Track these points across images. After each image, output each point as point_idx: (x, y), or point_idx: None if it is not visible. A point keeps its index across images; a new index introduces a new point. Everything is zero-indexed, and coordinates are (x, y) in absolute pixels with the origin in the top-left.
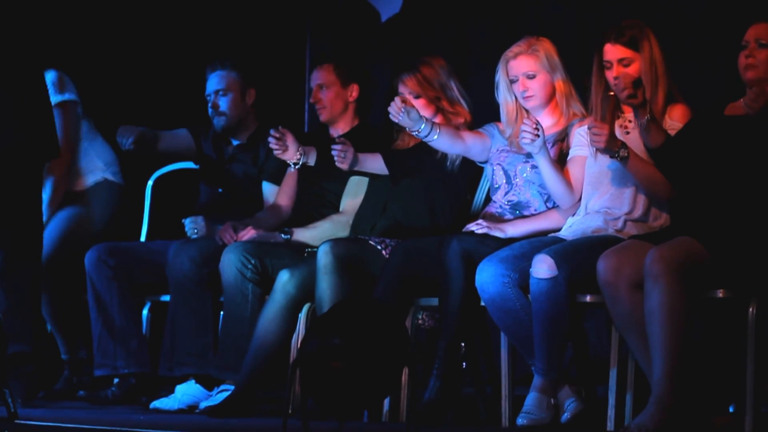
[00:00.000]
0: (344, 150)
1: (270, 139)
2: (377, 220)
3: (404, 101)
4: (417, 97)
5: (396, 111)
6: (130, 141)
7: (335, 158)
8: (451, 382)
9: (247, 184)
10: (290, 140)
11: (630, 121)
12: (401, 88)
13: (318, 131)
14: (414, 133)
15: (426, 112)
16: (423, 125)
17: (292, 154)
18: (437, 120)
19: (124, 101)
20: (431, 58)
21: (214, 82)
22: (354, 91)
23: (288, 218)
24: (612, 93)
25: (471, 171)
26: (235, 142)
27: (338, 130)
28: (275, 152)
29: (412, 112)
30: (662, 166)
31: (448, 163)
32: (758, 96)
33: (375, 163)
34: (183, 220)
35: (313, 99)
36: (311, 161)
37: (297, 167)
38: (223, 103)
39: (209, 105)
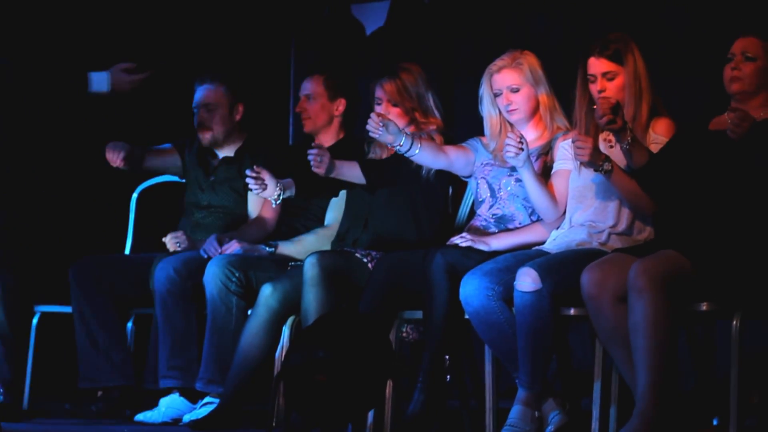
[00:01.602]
0: (320, 154)
1: (248, 180)
2: (359, 234)
3: (381, 116)
4: (394, 105)
5: (374, 127)
6: (121, 157)
7: (311, 163)
8: (435, 395)
9: (233, 197)
10: (267, 177)
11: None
12: (379, 93)
13: (303, 144)
14: (396, 148)
15: (400, 122)
16: (403, 139)
17: (271, 190)
18: (410, 130)
19: (110, 114)
20: (411, 66)
21: (202, 95)
22: (341, 106)
23: (273, 231)
24: (596, 107)
25: (449, 180)
26: (220, 156)
27: (324, 143)
28: (255, 191)
29: (390, 126)
30: (645, 185)
31: (423, 171)
32: (741, 121)
33: (352, 171)
34: (163, 239)
35: (298, 108)
36: (292, 194)
37: (278, 203)
38: (211, 118)
39: (195, 118)
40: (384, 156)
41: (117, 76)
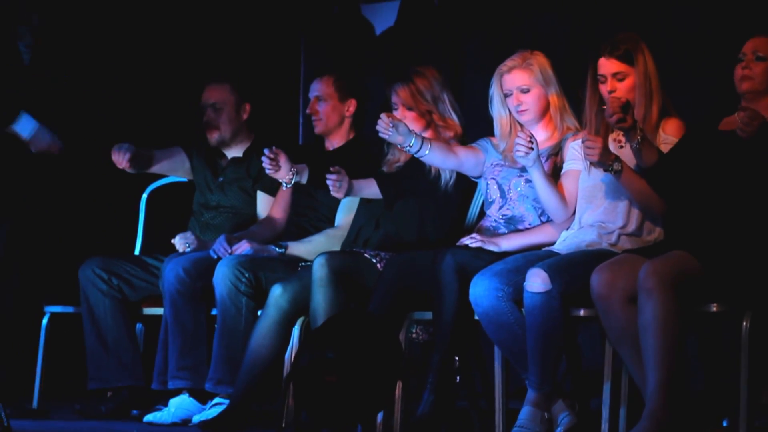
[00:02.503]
0: (339, 179)
1: (263, 159)
2: (370, 234)
3: (390, 116)
4: (409, 109)
5: (384, 128)
6: (126, 158)
7: (330, 187)
8: (444, 396)
9: (242, 197)
10: (283, 160)
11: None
12: (394, 98)
13: (313, 144)
14: (405, 149)
15: (417, 126)
16: (413, 140)
17: (284, 173)
18: (428, 134)
19: (120, 116)
20: (425, 69)
21: (209, 95)
22: (351, 106)
23: (282, 231)
24: (606, 106)
25: (464, 187)
26: (228, 156)
27: (333, 143)
28: (268, 171)
29: (400, 127)
30: (655, 184)
31: (442, 183)
32: (751, 120)
33: (370, 189)
34: (172, 240)
35: (309, 110)
36: (304, 179)
37: (289, 186)
38: (217, 118)
39: (203, 118)
40: (401, 158)
41: (41, 135)
